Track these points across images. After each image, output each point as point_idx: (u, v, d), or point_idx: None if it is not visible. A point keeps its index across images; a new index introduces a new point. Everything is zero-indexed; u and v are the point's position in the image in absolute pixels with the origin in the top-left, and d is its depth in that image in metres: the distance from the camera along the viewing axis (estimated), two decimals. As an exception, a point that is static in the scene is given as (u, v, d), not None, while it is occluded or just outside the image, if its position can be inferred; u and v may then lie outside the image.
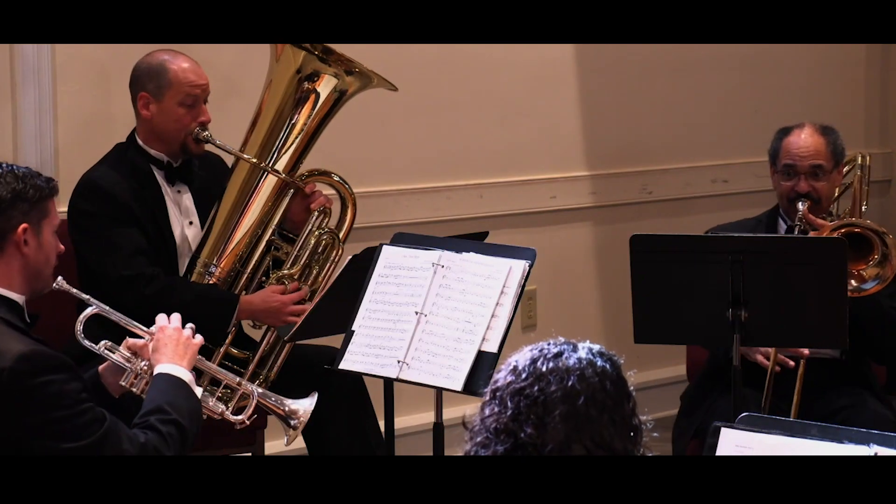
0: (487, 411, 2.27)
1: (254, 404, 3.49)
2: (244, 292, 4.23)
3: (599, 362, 2.27)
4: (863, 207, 4.50)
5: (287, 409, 3.54)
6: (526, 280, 3.60)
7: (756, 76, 6.12)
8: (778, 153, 4.41)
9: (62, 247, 3.33)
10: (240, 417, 3.50)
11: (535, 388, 2.24)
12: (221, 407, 3.50)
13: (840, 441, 2.45)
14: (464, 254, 3.67)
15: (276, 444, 4.80)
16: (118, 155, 4.21)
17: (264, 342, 4.25)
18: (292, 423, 3.54)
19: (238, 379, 3.56)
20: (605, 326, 5.78)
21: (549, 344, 2.30)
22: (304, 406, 3.54)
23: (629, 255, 3.88)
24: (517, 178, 5.56)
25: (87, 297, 3.43)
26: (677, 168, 5.97)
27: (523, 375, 2.26)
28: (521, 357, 2.29)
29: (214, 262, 4.19)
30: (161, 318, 3.39)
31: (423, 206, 5.27)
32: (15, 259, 3.19)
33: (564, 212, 5.70)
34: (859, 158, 4.64)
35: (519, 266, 3.60)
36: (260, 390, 3.54)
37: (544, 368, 2.25)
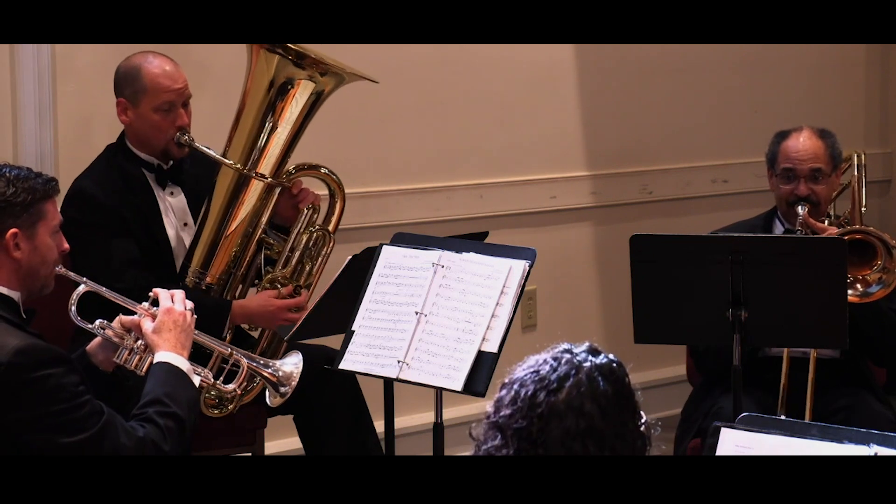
0: (490, 443, 2.26)
1: (245, 372, 3.48)
2: (240, 287, 4.22)
3: (602, 386, 2.23)
4: (862, 209, 4.49)
5: (280, 374, 3.53)
6: (526, 280, 3.59)
7: (756, 76, 6.12)
8: (776, 157, 4.40)
9: (66, 246, 3.33)
10: (231, 386, 3.49)
11: (535, 428, 2.22)
12: (212, 377, 3.47)
13: (840, 441, 2.45)
14: (464, 254, 3.67)
15: (276, 444, 4.81)
16: (108, 159, 4.18)
17: (263, 340, 4.24)
18: (282, 389, 3.54)
19: (229, 349, 3.53)
20: (605, 326, 5.78)
21: (551, 367, 2.26)
22: (294, 368, 3.54)
23: (629, 255, 3.89)
24: (517, 178, 5.56)
25: (78, 276, 3.41)
26: (677, 168, 5.97)
27: (524, 410, 2.23)
28: (522, 380, 2.25)
29: (206, 270, 4.17)
30: (164, 297, 3.36)
31: (423, 206, 5.27)
32: (7, 262, 3.20)
33: (564, 212, 5.70)
34: (855, 157, 4.63)
35: (519, 266, 3.60)
36: (249, 359, 3.52)
37: (544, 406, 2.22)
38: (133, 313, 3.39)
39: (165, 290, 3.38)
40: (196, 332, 3.39)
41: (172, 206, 4.24)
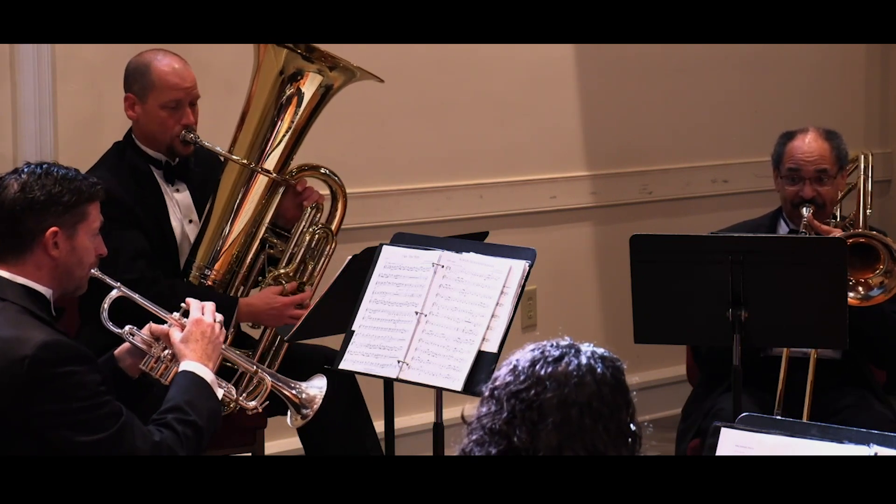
0: (485, 409, 2.26)
1: (267, 391, 3.49)
2: (242, 287, 4.23)
3: (600, 369, 2.24)
4: (867, 211, 4.48)
5: (303, 396, 3.54)
6: (526, 280, 3.60)
7: (756, 76, 6.12)
8: (782, 157, 4.39)
9: (104, 250, 3.34)
10: (253, 404, 3.50)
11: (532, 392, 2.22)
12: (235, 392, 3.48)
13: (840, 441, 2.45)
14: (464, 254, 3.67)
15: (276, 444, 4.81)
16: (117, 155, 4.20)
17: (263, 340, 4.24)
18: (304, 412, 3.54)
19: (254, 366, 3.55)
20: (605, 326, 5.78)
21: (552, 346, 2.28)
22: (318, 392, 3.54)
23: (629, 256, 3.89)
24: (517, 178, 5.56)
25: (113, 281, 3.42)
26: (677, 168, 5.97)
27: (521, 377, 2.24)
28: (522, 357, 2.27)
29: (211, 266, 4.17)
30: (195, 308, 3.36)
31: (423, 206, 5.27)
32: (44, 259, 3.21)
33: (564, 212, 5.70)
34: (862, 159, 4.63)
35: (519, 266, 3.60)
36: (273, 378, 3.53)
37: (543, 373, 2.23)
38: (163, 322, 3.40)
39: (197, 301, 3.39)
40: (223, 346, 3.40)
41: (178, 202, 4.25)
